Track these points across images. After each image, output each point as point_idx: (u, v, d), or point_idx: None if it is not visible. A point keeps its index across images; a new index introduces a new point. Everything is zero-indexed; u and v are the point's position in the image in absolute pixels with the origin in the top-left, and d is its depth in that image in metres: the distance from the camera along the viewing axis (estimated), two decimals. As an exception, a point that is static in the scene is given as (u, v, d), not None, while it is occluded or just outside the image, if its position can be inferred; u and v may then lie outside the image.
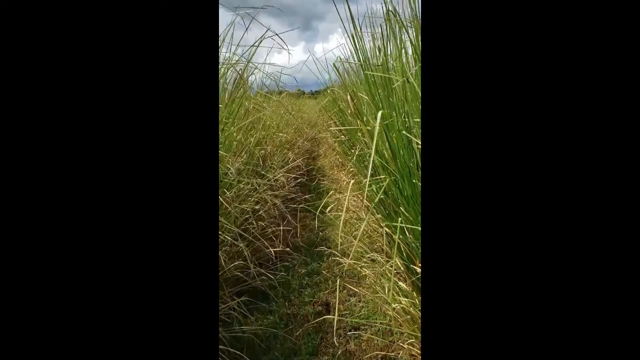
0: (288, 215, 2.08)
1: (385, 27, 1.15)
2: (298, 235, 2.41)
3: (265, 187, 2.03)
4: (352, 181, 0.95)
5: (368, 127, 1.13)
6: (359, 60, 1.17)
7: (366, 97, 1.15)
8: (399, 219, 0.92)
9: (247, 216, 1.85)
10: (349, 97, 1.14)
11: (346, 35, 1.23)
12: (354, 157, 1.46)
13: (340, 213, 2.22)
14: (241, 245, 1.43)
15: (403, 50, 1.13)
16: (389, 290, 1.35)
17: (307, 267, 2.18)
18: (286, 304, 1.85)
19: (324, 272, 2.07)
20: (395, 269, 1.40)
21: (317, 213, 1.30)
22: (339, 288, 1.94)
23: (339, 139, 2.80)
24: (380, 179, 1.15)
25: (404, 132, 1.06)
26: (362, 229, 0.92)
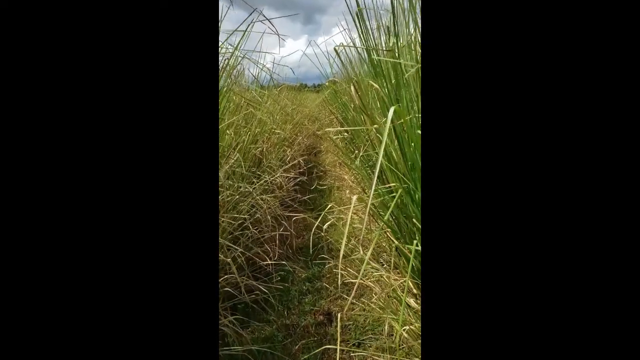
0: (285, 223, 1.89)
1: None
2: (294, 245, 2.23)
3: (260, 191, 1.85)
4: (356, 196, 0.77)
5: (375, 125, 0.94)
6: (364, 42, 0.97)
7: (376, 85, 0.95)
8: (414, 241, 0.74)
9: (242, 221, 1.70)
10: (352, 88, 0.94)
11: (351, 16, 1.04)
12: (358, 159, 1.26)
13: (342, 215, 2.05)
14: (228, 260, 1.26)
15: (417, 31, 0.93)
16: (399, 313, 1.18)
17: (307, 271, 2.01)
18: (285, 313, 1.69)
19: (326, 285, 1.90)
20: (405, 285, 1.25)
21: (318, 223, 1.13)
22: (340, 296, 1.80)
23: (342, 135, 2.61)
24: (391, 187, 0.96)
25: (418, 131, 0.87)
26: (370, 253, 0.75)
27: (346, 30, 1.61)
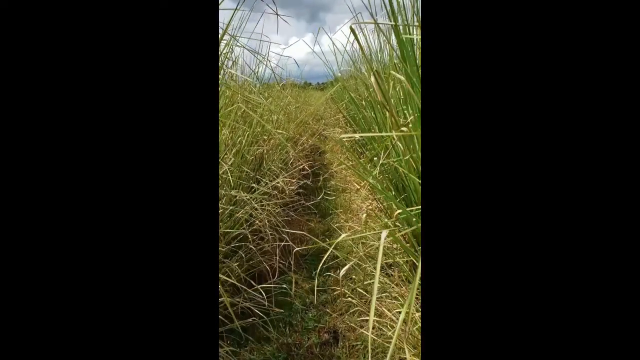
0: (287, 237, 1.69)
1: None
2: (297, 254, 2.01)
3: (259, 199, 1.64)
4: (386, 232, 0.56)
5: (403, 128, 0.72)
6: (390, 17, 0.74)
7: (402, 77, 0.73)
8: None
9: (240, 232, 1.51)
10: (372, 79, 0.73)
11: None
12: (377, 169, 1.05)
13: (349, 224, 1.83)
14: (220, 288, 1.06)
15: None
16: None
17: (311, 282, 1.80)
18: (287, 330, 1.51)
19: (328, 312, 1.69)
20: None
21: (332, 249, 0.94)
22: (347, 309, 1.61)
23: (350, 137, 2.39)
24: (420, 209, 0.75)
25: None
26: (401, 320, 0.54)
27: (358, 15, 1.39)
